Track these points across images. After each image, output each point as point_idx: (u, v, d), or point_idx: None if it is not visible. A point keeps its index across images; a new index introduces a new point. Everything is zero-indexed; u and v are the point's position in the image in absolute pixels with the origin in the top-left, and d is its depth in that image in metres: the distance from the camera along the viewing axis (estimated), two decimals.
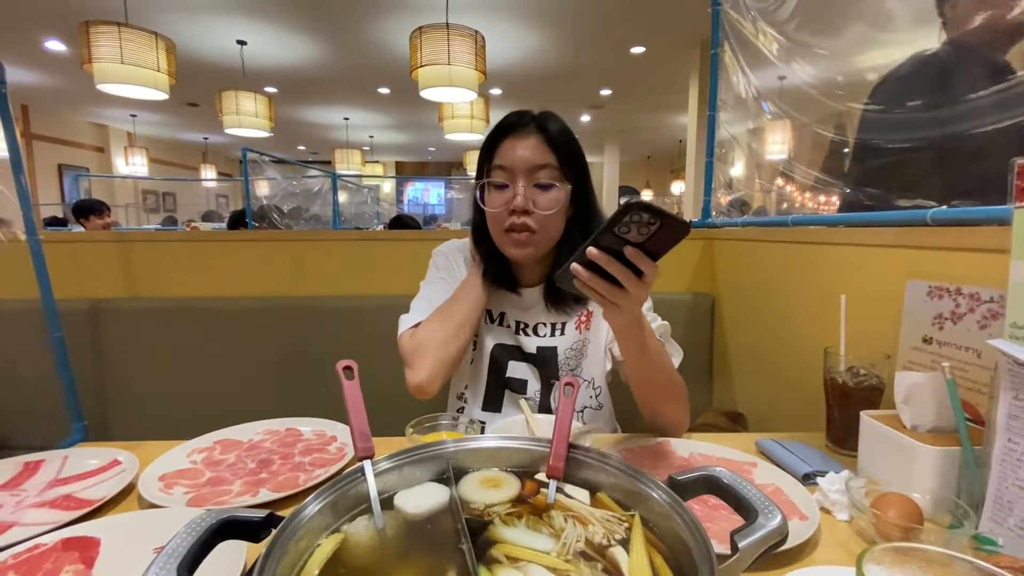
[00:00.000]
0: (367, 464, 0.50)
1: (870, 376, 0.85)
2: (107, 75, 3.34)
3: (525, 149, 0.88)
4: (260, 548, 0.39)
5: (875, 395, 0.84)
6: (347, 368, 0.56)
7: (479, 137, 5.55)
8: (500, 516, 0.48)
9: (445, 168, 13.30)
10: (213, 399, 1.68)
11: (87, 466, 0.80)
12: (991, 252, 0.74)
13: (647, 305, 1.04)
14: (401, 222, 4.10)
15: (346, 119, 8.78)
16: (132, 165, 8.37)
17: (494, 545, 0.44)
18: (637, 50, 5.60)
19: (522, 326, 1.02)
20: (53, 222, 4.79)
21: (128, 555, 0.58)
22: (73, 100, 7.30)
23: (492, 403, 1.02)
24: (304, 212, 5.09)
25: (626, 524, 0.46)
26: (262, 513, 0.42)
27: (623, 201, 1.06)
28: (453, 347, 0.90)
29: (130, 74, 3.33)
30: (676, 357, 0.99)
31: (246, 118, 5.14)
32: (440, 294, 0.99)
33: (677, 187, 10.63)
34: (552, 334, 1.02)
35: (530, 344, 1.01)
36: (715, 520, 0.63)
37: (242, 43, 5.30)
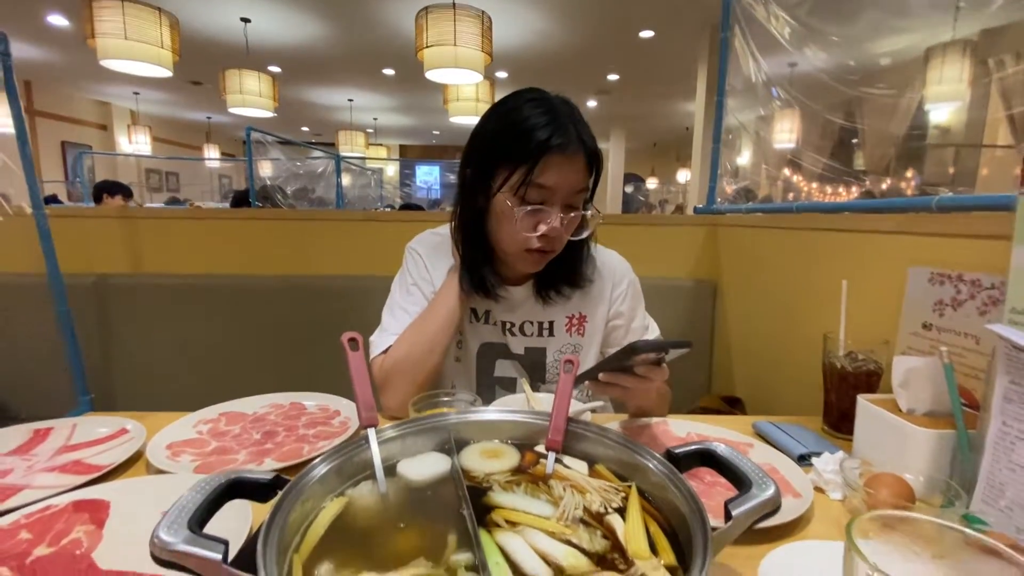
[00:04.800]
0: (371, 432, 0.51)
1: (868, 361, 0.85)
2: (110, 51, 3.31)
3: (572, 174, 0.80)
4: (266, 509, 0.40)
5: (873, 380, 0.85)
6: (352, 340, 0.57)
7: None
8: (500, 483, 0.49)
9: (451, 152, 13.21)
10: (217, 374, 1.70)
11: (96, 434, 0.81)
12: (993, 239, 0.74)
13: (643, 315, 1.03)
14: (409, 208, 4.10)
15: (350, 100, 8.70)
16: (135, 144, 8.33)
17: (493, 510, 0.45)
18: (646, 34, 5.51)
19: (508, 325, 0.96)
20: (50, 200, 4.75)
21: (137, 517, 0.60)
22: (75, 76, 7.24)
23: (483, 399, 1.00)
24: (309, 193, 5.08)
25: (623, 494, 0.48)
26: (269, 475, 0.43)
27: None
28: (424, 370, 0.86)
29: (134, 50, 3.30)
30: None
31: (250, 97, 5.10)
32: (413, 305, 0.93)
33: (683, 175, 10.55)
34: (540, 334, 0.97)
35: (517, 345, 0.96)
36: (711, 496, 0.65)
37: (246, 20, 5.24)
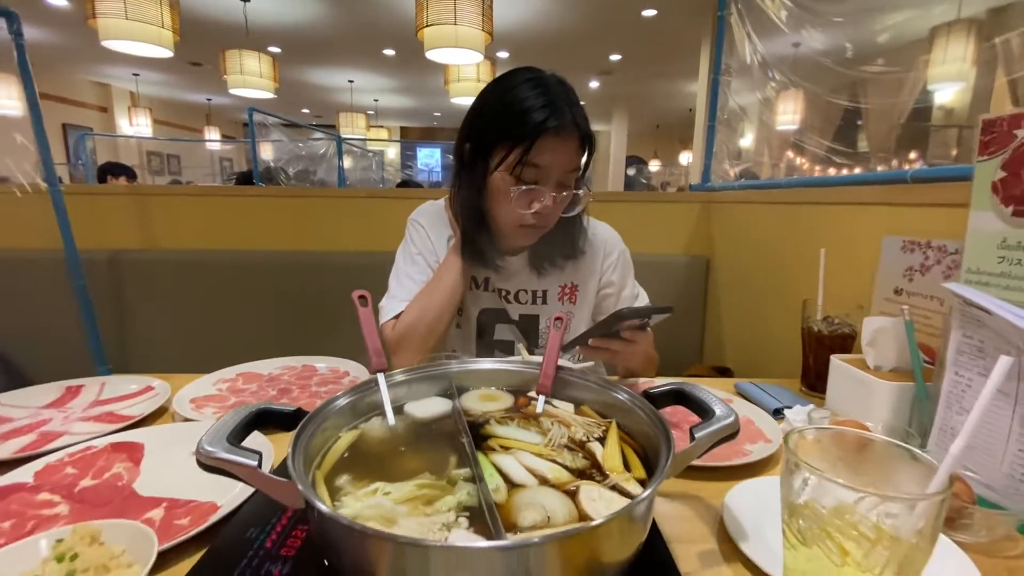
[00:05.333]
0: (380, 376, 0.57)
1: (843, 325, 0.91)
2: (111, 31, 3.31)
3: (565, 154, 0.83)
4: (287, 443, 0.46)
5: (847, 342, 0.91)
6: (361, 297, 0.63)
7: None
8: (495, 419, 0.55)
9: (452, 134, 13.13)
10: (226, 345, 1.75)
11: (124, 390, 0.88)
12: (960, 207, 0.78)
13: (632, 284, 1.08)
14: (406, 184, 4.12)
15: (350, 82, 8.63)
16: (136, 126, 8.32)
17: (489, 439, 0.51)
18: (648, 13, 5.45)
19: (504, 292, 1.01)
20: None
21: (169, 456, 0.66)
22: (75, 58, 7.20)
23: None
24: (311, 175, 5.10)
25: (604, 428, 0.54)
26: (292, 407, 0.49)
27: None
28: (435, 335, 0.91)
29: (135, 30, 3.31)
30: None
31: (250, 78, 5.08)
32: (418, 274, 0.97)
33: (685, 157, 10.49)
34: (534, 302, 1.01)
35: (513, 311, 1.01)
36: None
37: (245, 0, 5.20)
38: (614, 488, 0.44)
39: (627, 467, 0.48)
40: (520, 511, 0.40)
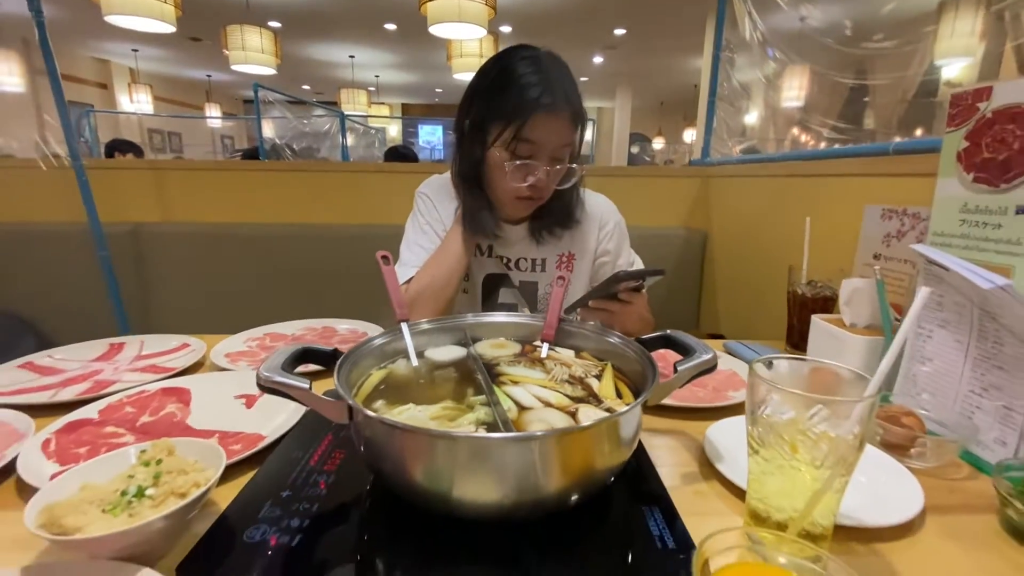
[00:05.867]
0: (404, 325, 0.65)
1: (825, 288, 0.98)
2: (115, 6, 3.31)
3: (557, 131, 0.88)
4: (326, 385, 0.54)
5: (829, 304, 0.98)
6: (384, 256, 0.70)
7: None
8: (505, 361, 0.63)
9: (454, 111, 13.00)
10: (242, 313, 1.83)
11: (163, 346, 0.96)
12: (933, 176, 0.84)
13: (628, 251, 1.15)
14: (397, 153, 4.12)
15: (351, 57, 8.55)
16: (136, 103, 8.29)
17: (501, 376, 0.59)
18: None
19: (506, 260, 1.08)
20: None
21: (214, 399, 0.75)
22: (74, 33, 7.14)
23: None
24: (315, 152, 5.12)
25: (600, 368, 0.61)
26: (330, 348, 0.57)
27: (619, 274, 1.10)
28: (444, 298, 0.98)
29: (138, 5, 3.31)
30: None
31: (252, 54, 5.06)
32: (427, 242, 1.04)
33: (689, 135, 10.40)
34: (533, 269, 1.08)
35: (514, 277, 1.09)
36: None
37: None
38: (608, 410, 0.51)
39: (619, 395, 0.55)
40: (529, 425, 0.48)
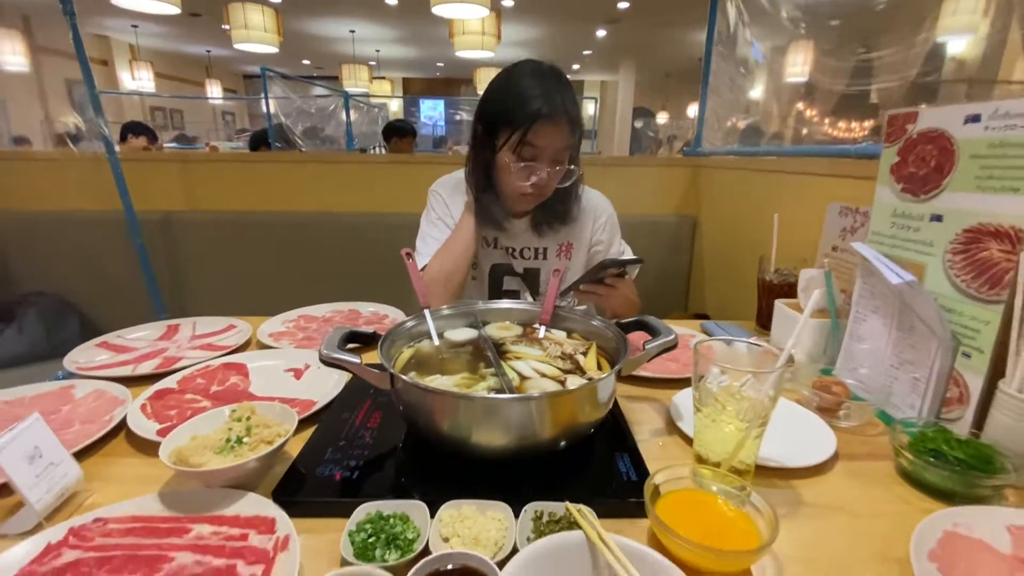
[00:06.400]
0: (427, 311, 0.79)
1: (790, 276, 1.11)
2: None
3: (557, 137, 1.00)
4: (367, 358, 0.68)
5: (792, 290, 1.11)
6: (408, 253, 0.84)
7: (490, 54, 5.46)
8: (509, 341, 0.77)
9: (455, 85, 12.87)
10: (266, 296, 1.99)
11: (213, 327, 1.11)
12: None
13: (619, 242, 1.27)
14: (394, 128, 4.18)
15: (352, 32, 8.47)
16: (138, 80, 8.28)
17: (506, 352, 0.73)
18: None
19: (510, 249, 1.20)
20: (76, 139, 4.81)
21: (268, 372, 0.90)
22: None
23: None
24: (319, 132, 5.19)
25: (586, 347, 0.76)
26: (371, 330, 0.71)
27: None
28: (455, 281, 1.10)
29: None
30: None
31: (255, 32, 5.08)
32: (440, 234, 1.16)
33: (693, 109, 10.31)
34: (536, 257, 1.21)
35: (518, 265, 1.21)
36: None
37: None
38: (589, 379, 0.66)
39: (600, 370, 0.70)
40: (528, 390, 0.63)
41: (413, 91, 12.98)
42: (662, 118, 12.27)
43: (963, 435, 0.66)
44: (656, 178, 1.92)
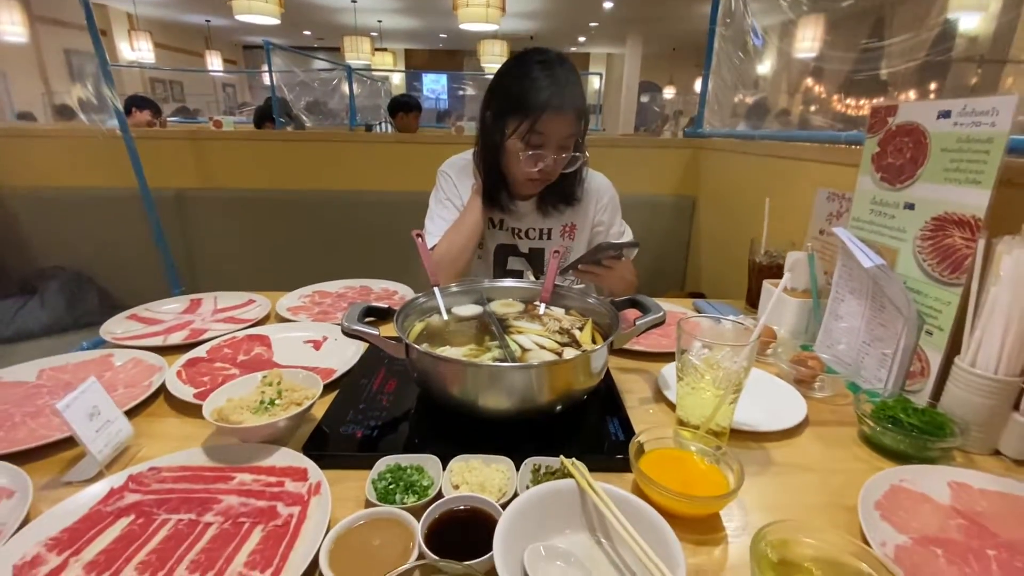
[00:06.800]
0: (436, 289, 0.85)
1: (779, 257, 1.17)
2: None
3: (564, 125, 1.04)
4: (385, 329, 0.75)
5: (780, 271, 1.17)
6: (418, 234, 0.90)
7: (494, 27, 5.38)
8: (512, 317, 0.84)
9: (458, 57, 12.65)
10: (280, 271, 2.07)
11: (233, 301, 1.18)
12: None
13: (620, 222, 1.32)
14: (400, 103, 4.19)
15: (353, 1, 8.31)
16: (138, 51, 8.18)
17: (509, 327, 0.80)
18: None
19: (516, 230, 1.25)
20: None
21: (289, 343, 0.97)
22: None
23: None
24: (322, 106, 5.17)
25: (583, 322, 0.83)
26: (386, 305, 0.78)
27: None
28: (463, 261, 1.15)
29: None
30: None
31: (256, 3, 5.01)
32: (448, 214, 1.21)
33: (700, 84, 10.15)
34: (540, 238, 1.26)
35: (523, 245, 1.26)
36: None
37: None
38: (583, 351, 0.73)
39: (594, 343, 0.77)
40: (528, 360, 0.70)
41: (415, 63, 12.77)
42: (669, 93, 12.07)
43: (921, 404, 0.73)
44: (657, 159, 1.96)
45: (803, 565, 0.47)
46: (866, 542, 0.52)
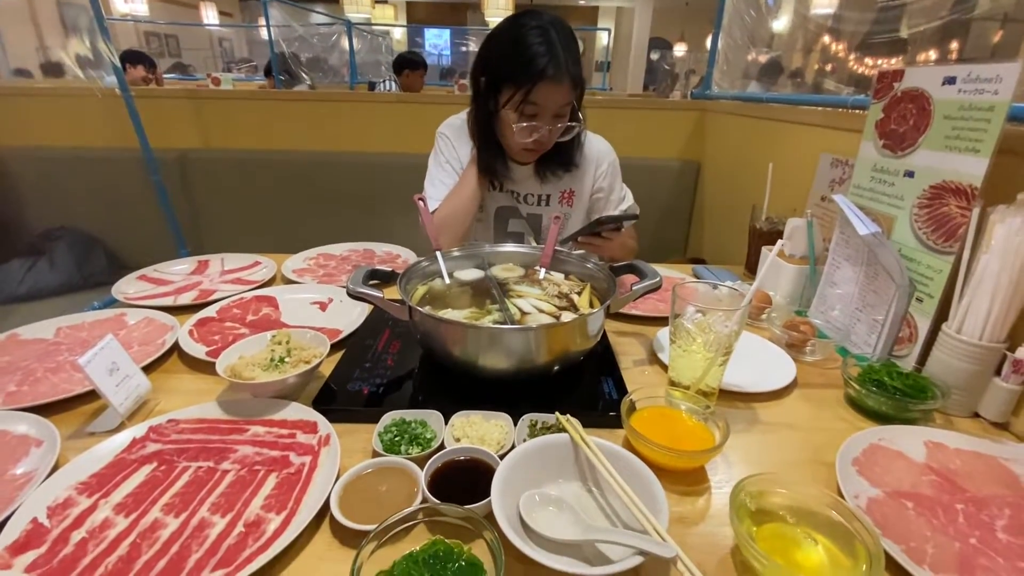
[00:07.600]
0: (439, 253, 0.87)
1: (779, 224, 1.18)
2: None
3: (559, 95, 1.02)
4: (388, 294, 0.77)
5: (780, 237, 1.18)
6: (420, 199, 0.91)
7: None
8: (512, 281, 0.86)
9: (461, 11, 12.15)
10: (282, 232, 2.08)
11: (240, 263, 1.21)
12: None
13: (620, 187, 1.31)
14: (405, 60, 4.08)
15: None
16: (132, 2, 7.90)
17: (509, 291, 0.83)
18: None
19: (515, 193, 1.25)
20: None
21: (296, 304, 1.00)
22: None
23: None
24: (322, 63, 5.03)
25: (581, 287, 0.85)
26: (389, 269, 0.80)
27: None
28: (463, 226, 1.15)
29: None
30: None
31: None
32: (447, 178, 1.21)
33: None
34: (539, 204, 1.25)
35: (522, 210, 1.26)
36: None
37: None
38: (580, 315, 0.75)
39: (592, 307, 0.79)
40: (528, 323, 0.72)
41: (417, 17, 12.30)
42: (680, 50, 11.63)
43: (907, 369, 0.75)
44: (662, 122, 1.93)
45: (778, 513, 0.51)
46: (841, 495, 0.55)
